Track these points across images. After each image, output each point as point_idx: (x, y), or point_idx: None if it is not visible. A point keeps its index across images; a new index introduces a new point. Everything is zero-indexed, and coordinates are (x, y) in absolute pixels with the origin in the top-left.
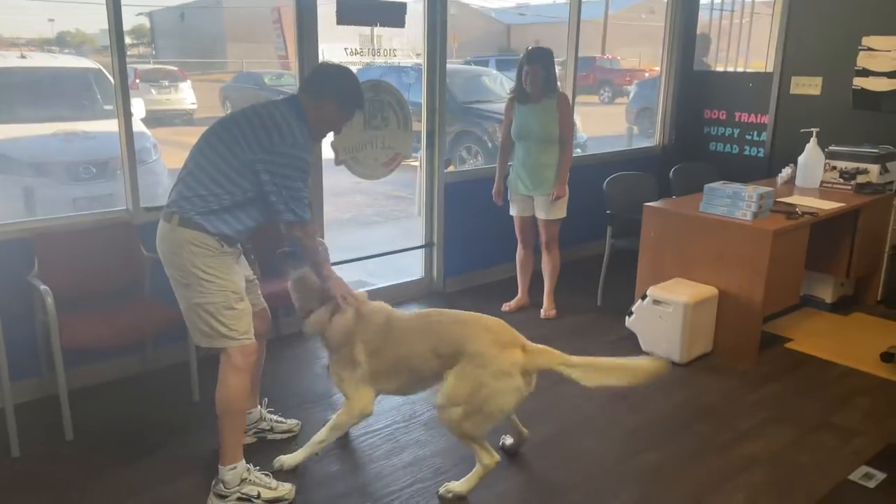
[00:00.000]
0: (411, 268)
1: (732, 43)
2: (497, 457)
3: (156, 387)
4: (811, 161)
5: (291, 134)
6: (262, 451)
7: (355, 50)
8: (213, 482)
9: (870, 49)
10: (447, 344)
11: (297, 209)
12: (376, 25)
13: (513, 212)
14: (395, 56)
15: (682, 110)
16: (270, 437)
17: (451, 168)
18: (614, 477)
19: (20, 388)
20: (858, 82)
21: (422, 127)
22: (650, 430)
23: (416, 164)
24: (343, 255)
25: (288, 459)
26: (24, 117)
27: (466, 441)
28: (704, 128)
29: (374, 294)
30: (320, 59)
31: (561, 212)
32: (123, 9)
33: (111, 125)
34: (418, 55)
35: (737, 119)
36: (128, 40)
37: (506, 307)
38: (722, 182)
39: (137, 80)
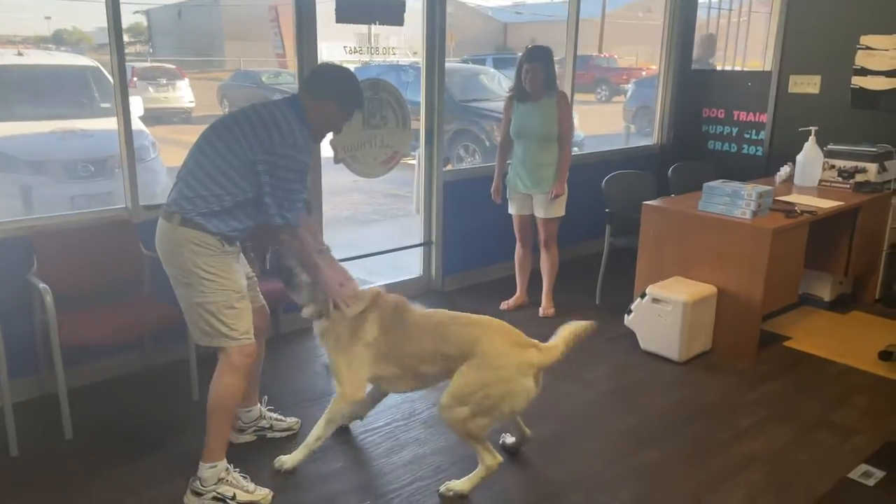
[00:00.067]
0: (410, 266)
1: (730, 42)
2: (500, 458)
3: (155, 385)
4: (810, 160)
5: (292, 134)
6: (261, 449)
7: (354, 48)
8: (192, 479)
9: (868, 48)
10: (454, 345)
11: (287, 213)
12: (375, 24)
13: (511, 210)
14: (393, 54)
15: (680, 109)
16: (270, 435)
17: (448, 167)
18: (614, 475)
19: (19, 386)
20: (857, 81)
21: (420, 125)
22: (649, 429)
23: (414, 162)
24: (341, 254)
25: (288, 460)
26: (21, 115)
27: (469, 441)
28: (703, 126)
29: None
30: (319, 58)
31: (560, 210)
32: (121, 7)
33: (109, 123)
34: (415, 53)
35: (735, 118)
36: (125, 38)
37: (504, 306)
38: (721, 181)
39: (135, 79)
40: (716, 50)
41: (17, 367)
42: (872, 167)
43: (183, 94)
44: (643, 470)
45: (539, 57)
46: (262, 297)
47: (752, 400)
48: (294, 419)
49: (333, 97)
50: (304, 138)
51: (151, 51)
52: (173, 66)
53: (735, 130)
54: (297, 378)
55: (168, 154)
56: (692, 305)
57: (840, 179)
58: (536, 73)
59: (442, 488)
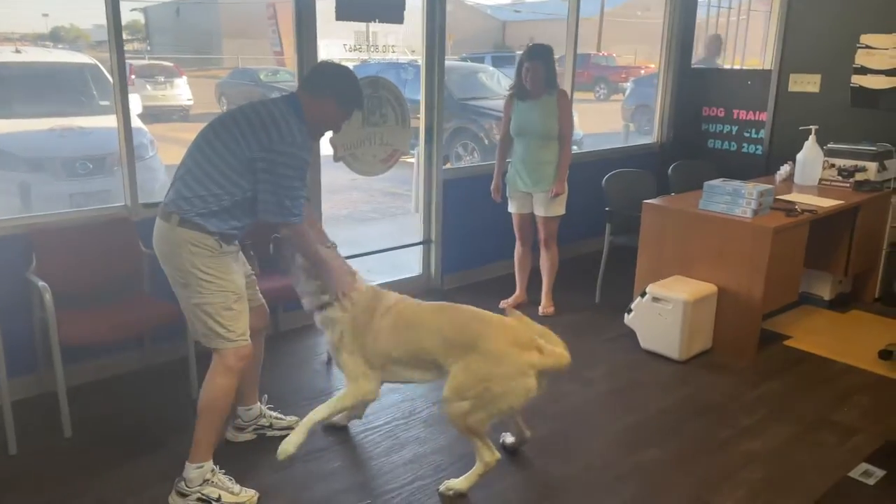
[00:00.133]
0: (409, 264)
1: (729, 40)
2: (498, 454)
3: (154, 383)
4: (810, 158)
5: (290, 132)
6: (261, 448)
7: (354, 46)
8: (177, 479)
9: (868, 47)
10: (458, 332)
11: (289, 210)
12: (375, 21)
13: (511, 209)
14: (392, 52)
15: (680, 108)
16: (270, 433)
17: (447, 165)
18: (614, 474)
19: (18, 384)
20: (857, 80)
21: (420, 123)
22: (649, 428)
23: (413, 160)
24: (340, 252)
25: (289, 446)
26: (19, 112)
27: (469, 436)
28: (703, 125)
29: None
30: (319, 55)
31: (560, 209)
32: (120, 4)
33: (107, 121)
34: (413, 52)
35: (735, 116)
36: (123, 36)
37: (504, 304)
38: (721, 179)
39: (133, 76)
40: (720, 51)
41: (17, 365)
42: (872, 166)
43: (181, 91)
44: (643, 469)
45: (540, 55)
46: (261, 295)
47: (753, 398)
48: (294, 418)
49: (333, 96)
50: (303, 136)
51: (149, 48)
52: (171, 64)
53: (735, 129)
54: (297, 376)
55: (166, 152)
56: (692, 304)
57: (840, 178)
58: (537, 71)
59: (442, 487)
